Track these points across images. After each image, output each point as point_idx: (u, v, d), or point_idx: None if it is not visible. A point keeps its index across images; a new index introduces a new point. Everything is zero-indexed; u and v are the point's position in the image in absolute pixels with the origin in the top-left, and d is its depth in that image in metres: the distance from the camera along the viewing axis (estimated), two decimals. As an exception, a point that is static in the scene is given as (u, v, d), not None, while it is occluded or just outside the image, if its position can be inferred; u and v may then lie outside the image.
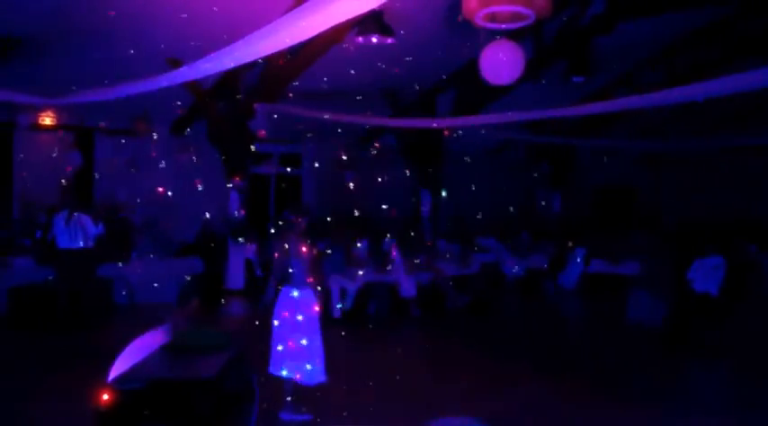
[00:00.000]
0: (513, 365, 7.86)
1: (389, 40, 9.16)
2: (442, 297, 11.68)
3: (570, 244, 14.65)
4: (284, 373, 5.63)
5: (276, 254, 5.77)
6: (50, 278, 9.89)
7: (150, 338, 4.39)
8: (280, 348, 5.62)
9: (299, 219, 5.82)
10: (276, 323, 5.67)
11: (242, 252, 12.69)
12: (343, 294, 10.73)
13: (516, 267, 14.28)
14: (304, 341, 5.62)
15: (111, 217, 11.19)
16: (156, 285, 11.37)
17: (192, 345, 4.45)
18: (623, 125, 16.63)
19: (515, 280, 14.30)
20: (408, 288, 11.05)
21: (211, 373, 3.69)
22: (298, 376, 5.63)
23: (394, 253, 11.31)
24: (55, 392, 6.63)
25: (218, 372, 3.74)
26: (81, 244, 9.51)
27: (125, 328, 10.00)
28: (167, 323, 4.47)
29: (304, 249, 5.70)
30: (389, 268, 11.20)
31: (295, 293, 5.70)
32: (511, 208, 16.67)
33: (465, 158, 16.58)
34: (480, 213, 16.21)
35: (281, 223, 5.98)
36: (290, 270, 5.71)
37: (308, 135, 14.69)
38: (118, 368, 4.06)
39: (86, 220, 9.55)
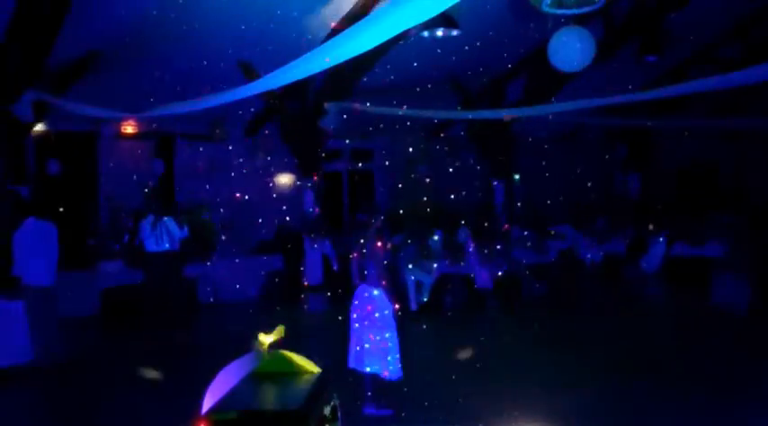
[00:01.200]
0: (593, 358, 7.68)
1: (454, 32, 9.13)
2: (519, 286, 11.60)
3: (651, 227, 14.28)
4: (368, 369, 5.74)
5: (355, 254, 5.95)
6: (139, 280, 10.38)
7: (237, 366, 4.58)
8: (366, 345, 5.73)
9: (372, 219, 5.92)
10: (355, 321, 5.80)
11: (319, 248, 12.94)
12: (420, 287, 10.81)
13: (593, 253, 14.04)
14: (387, 335, 5.73)
15: (193, 218, 11.60)
16: (237, 285, 11.78)
17: (279, 372, 4.54)
18: (701, 102, 16.04)
19: (593, 267, 14.07)
20: (484, 278, 11.03)
21: (299, 403, 3.86)
22: (385, 373, 5.73)
23: (469, 245, 11.31)
24: (147, 387, 6.99)
25: (305, 401, 3.91)
26: (167, 246, 9.88)
27: (209, 326, 10.51)
28: (253, 349, 4.61)
29: (379, 247, 5.79)
30: (464, 259, 11.21)
31: (374, 292, 5.80)
32: (587, 194, 16.35)
33: (537, 145, 16.37)
34: (555, 200, 15.98)
35: (356, 225, 6.13)
36: (366, 271, 5.84)
37: (379, 129, 14.80)
38: (210, 400, 4.26)
39: (171, 224, 9.92)
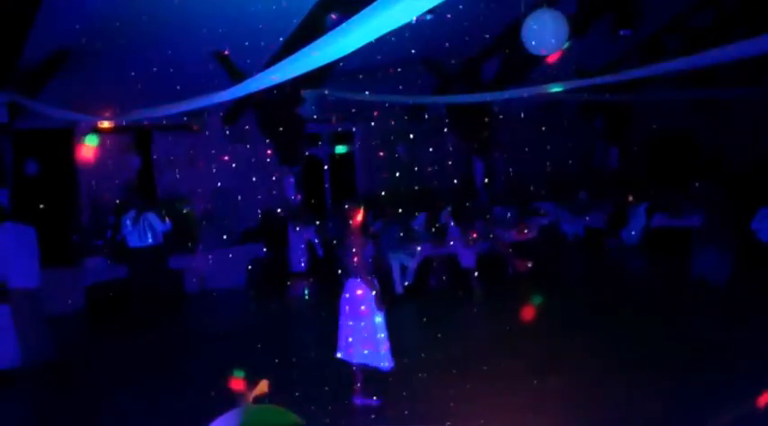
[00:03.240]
0: (579, 336, 7.81)
1: (428, 17, 9.11)
2: (503, 265, 11.72)
3: (630, 198, 14.42)
4: (355, 360, 5.83)
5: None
6: (124, 275, 10.38)
7: (223, 422, 4.60)
8: (350, 339, 5.82)
9: (353, 212, 5.94)
10: (345, 313, 5.89)
11: (303, 234, 12.97)
12: (404, 270, 10.89)
13: (573, 227, 14.18)
14: (378, 319, 5.83)
15: (175, 211, 11.57)
16: (223, 274, 11.83)
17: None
18: (676, 73, 16.12)
19: (576, 241, 14.23)
20: (468, 258, 11.11)
21: None
22: (374, 363, 5.83)
23: (451, 226, 11.38)
24: (137, 386, 7.04)
25: None
26: (150, 241, 9.88)
27: (197, 317, 10.56)
28: (238, 404, 4.60)
29: (359, 240, 5.86)
30: (448, 241, 11.28)
31: (357, 285, 5.86)
32: (568, 168, 16.43)
33: (515, 120, 16.40)
34: (536, 175, 16.07)
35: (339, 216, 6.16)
36: (349, 265, 5.89)
37: (358, 112, 14.76)
38: None
39: (153, 218, 9.91)
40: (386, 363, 5.88)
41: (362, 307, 5.78)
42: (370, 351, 5.79)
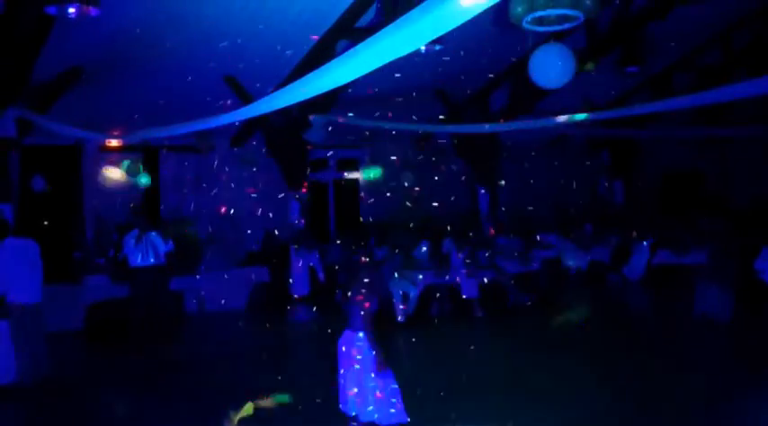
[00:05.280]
0: (580, 366, 7.77)
1: (437, 47, 9.19)
2: (505, 296, 11.66)
3: (635, 234, 14.38)
4: (354, 413, 5.38)
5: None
6: (125, 294, 10.35)
7: None
8: (354, 390, 5.36)
9: (362, 260, 5.52)
10: (342, 368, 5.46)
11: (305, 259, 12.96)
12: (405, 298, 10.85)
13: (577, 261, 14.13)
14: (373, 376, 5.30)
15: (178, 232, 11.59)
16: (224, 297, 11.80)
17: None
18: (683, 110, 16.19)
19: (578, 274, 14.17)
20: (469, 288, 11.07)
21: None
22: (377, 417, 5.30)
23: (453, 255, 11.36)
24: (135, 405, 6.98)
25: None
26: (152, 261, 9.87)
27: (195, 339, 10.51)
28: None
29: (362, 298, 5.35)
30: (450, 269, 11.25)
31: (359, 336, 5.38)
32: (573, 201, 16.43)
33: (522, 152, 16.46)
34: (541, 207, 16.07)
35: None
36: (350, 317, 5.46)
37: (365, 138, 14.83)
38: None
39: (156, 238, 9.92)
40: (400, 418, 5.38)
41: (358, 357, 5.32)
42: (377, 407, 5.29)
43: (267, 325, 11.12)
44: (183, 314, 11.66)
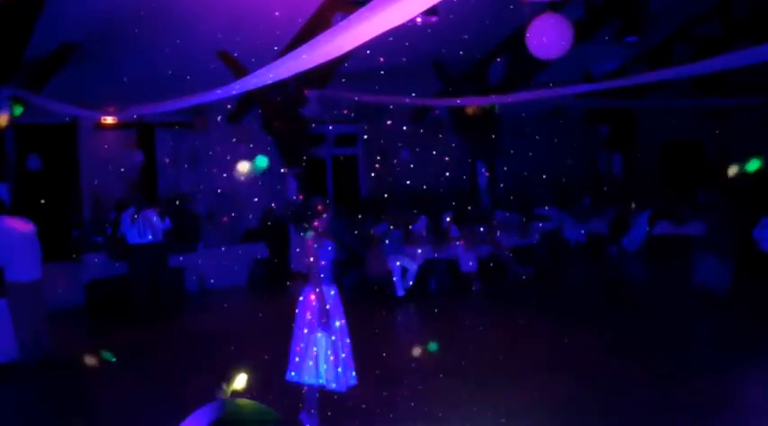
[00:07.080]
0: (579, 338, 7.79)
1: (433, 19, 9.09)
2: (504, 269, 11.68)
3: (633, 205, 14.38)
4: (306, 379, 5.17)
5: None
6: (124, 271, 10.37)
7: (201, 415, 4.56)
8: (297, 358, 5.20)
9: (317, 217, 5.26)
10: (297, 325, 5.28)
11: (304, 234, 12.92)
12: (405, 273, 10.87)
13: (577, 233, 14.14)
14: (320, 335, 5.15)
15: (176, 209, 11.56)
16: (224, 271, 11.82)
17: (241, 420, 4.44)
18: (683, 80, 16.07)
19: (577, 247, 14.19)
20: (468, 262, 11.10)
21: None
22: (325, 382, 5.14)
23: (452, 229, 11.36)
24: (137, 382, 7.02)
25: None
26: (150, 238, 9.88)
27: (196, 315, 10.55)
28: (217, 398, 4.49)
29: (310, 245, 5.21)
30: (448, 244, 11.26)
31: (313, 294, 5.22)
32: (572, 174, 16.38)
33: (520, 125, 16.36)
34: (539, 180, 16.02)
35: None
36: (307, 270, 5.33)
37: (362, 113, 14.74)
38: None
39: (153, 215, 9.92)
40: (348, 381, 5.26)
41: (308, 316, 5.17)
42: (329, 371, 5.11)
43: (267, 301, 11.16)
44: (184, 291, 11.68)
